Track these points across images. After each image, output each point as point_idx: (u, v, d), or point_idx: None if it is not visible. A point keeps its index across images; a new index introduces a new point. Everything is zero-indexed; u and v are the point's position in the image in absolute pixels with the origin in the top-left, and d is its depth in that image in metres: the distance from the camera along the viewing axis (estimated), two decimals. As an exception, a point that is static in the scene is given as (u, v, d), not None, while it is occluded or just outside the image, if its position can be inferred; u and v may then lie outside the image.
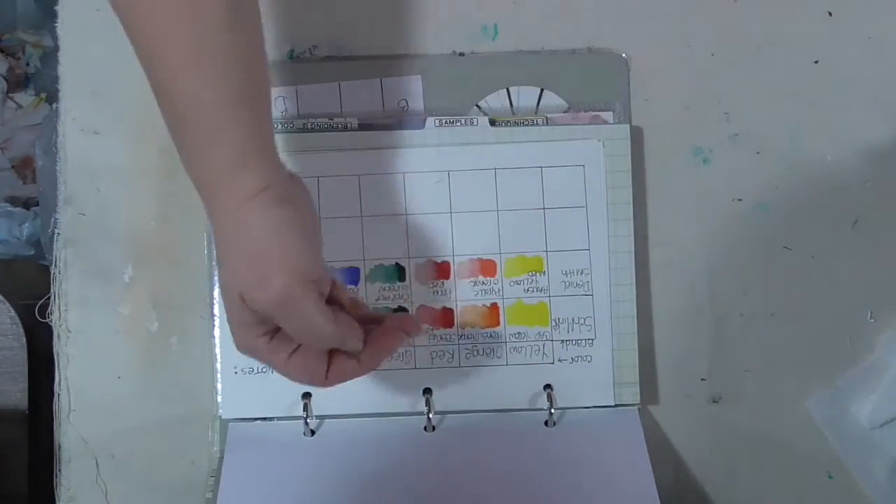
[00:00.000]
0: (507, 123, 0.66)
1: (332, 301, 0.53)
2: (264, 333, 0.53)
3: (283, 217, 0.50)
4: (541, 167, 0.66)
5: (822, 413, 0.68)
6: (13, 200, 1.12)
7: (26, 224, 1.01)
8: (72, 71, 0.67)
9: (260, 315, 0.51)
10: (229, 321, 0.53)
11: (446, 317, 0.66)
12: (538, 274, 0.66)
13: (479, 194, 0.66)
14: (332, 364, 0.55)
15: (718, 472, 0.68)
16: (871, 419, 0.67)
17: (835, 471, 0.68)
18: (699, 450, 0.68)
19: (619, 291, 0.66)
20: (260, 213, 0.49)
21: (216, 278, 0.65)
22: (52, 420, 0.67)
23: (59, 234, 0.67)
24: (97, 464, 0.67)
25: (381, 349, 0.57)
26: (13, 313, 0.76)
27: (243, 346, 0.54)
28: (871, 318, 0.68)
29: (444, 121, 0.66)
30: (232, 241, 0.50)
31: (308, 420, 0.65)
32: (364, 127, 0.66)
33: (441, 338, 0.66)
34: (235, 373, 0.65)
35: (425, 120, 0.66)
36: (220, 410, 0.66)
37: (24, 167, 1.18)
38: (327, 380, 0.55)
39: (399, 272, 0.66)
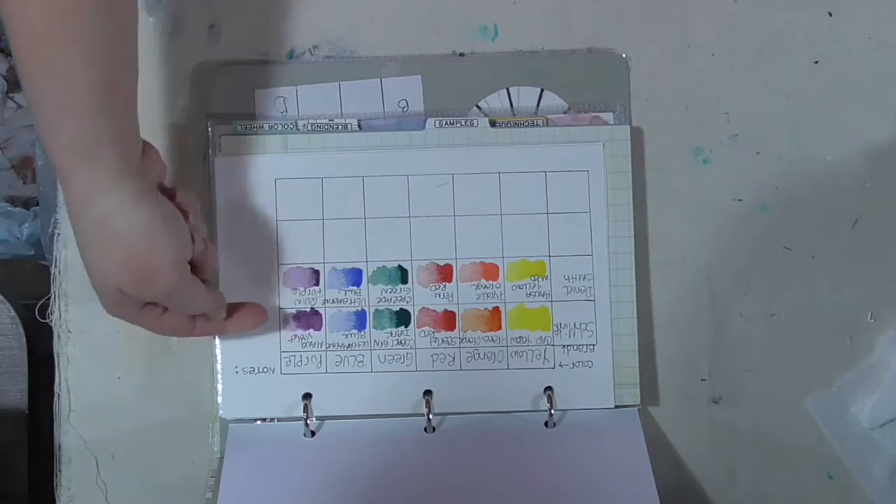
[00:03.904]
0: (507, 124, 0.66)
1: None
2: (136, 304, 0.56)
3: (146, 215, 0.51)
4: (544, 171, 0.66)
5: (822, 413, 0.68)
6: (13, 200, 1.12)
7: (26, 224, 1.01)
8: (71, 71, 0.67)
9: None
10: (99, 296, 0.55)
11: (448, 320, 0.66)
12: (540, 278, 0.66)
13: (482, 197, 0.66)
14: (196, 320, 0.60)
15: (718, 472, 0.68)
16: (871, 419, 0.67)
17: (835, 471, 0.68)
18: (699, 450, 0.68)
19: (619, 292, 0.66)
20: (123, 217, 0.51)
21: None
22: (52, 420, 0.67)
23: (59, 234, 0.67)
24: (97, 464, 0.67)
25: (243, 325, 0.63)
26: (13, 313, 0.76)
27: (114, 314, 0.56)
28: (871, 318, 0.68)
29: (444, 122, 0.66)
30: (99, 241, 0.51)
31: (308, 421, 0.65)
32: (364, 128, 0.66)
33: (442, 341, 0.66)
34: (236, 373, 0.65)
35: (425, 121, 0.66)
36: (221, 411, 0.66)
37: (24, 167, 1.17)
38: (195, 332, 0.60)
39: (402, 274, 0.66)
